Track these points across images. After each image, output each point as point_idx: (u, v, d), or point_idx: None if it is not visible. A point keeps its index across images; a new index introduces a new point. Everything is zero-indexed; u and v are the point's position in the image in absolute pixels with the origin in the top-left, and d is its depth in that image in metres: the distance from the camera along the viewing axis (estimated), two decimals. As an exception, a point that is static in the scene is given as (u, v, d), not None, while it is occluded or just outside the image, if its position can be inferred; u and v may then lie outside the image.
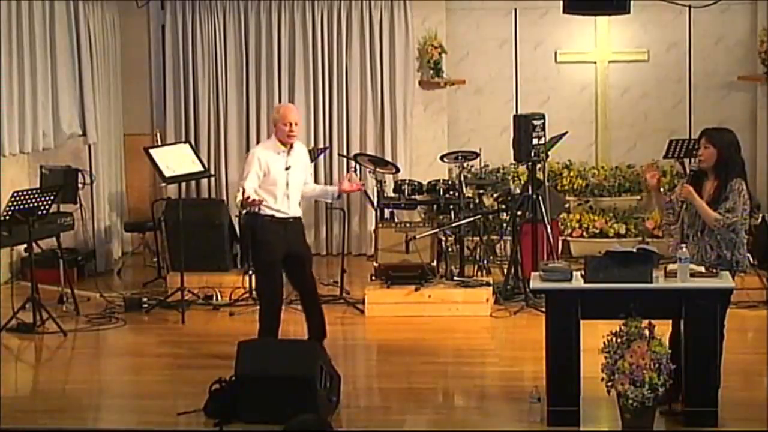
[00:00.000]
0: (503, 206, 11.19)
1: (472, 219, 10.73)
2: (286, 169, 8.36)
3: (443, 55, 12.76)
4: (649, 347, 6.79)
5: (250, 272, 10.57)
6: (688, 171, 7.37)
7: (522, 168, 11.87)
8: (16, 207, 9.38)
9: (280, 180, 8.34)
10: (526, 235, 10.44)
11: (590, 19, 12.42)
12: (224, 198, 12.42)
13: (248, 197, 8.13)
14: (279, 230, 8.37)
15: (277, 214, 8.36)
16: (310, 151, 9.87)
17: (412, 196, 11.17)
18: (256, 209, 8.27)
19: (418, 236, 10.21)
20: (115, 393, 8.27)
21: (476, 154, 11.42)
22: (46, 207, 9.60)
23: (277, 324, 8.58)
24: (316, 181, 11.03)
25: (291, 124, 8.32)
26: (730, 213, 7.12)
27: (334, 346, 8.79)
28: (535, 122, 10.16)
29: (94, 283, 10.98)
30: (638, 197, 12.58)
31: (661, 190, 7.53)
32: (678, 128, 12.52)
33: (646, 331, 6.87)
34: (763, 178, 12.41)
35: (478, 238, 11.01)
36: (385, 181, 11.45)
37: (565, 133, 11.34)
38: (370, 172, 11.26)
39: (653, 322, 6.96)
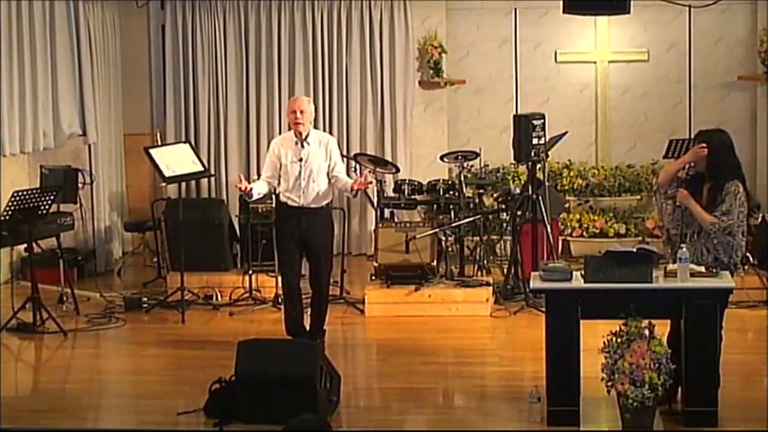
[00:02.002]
0: (503, 206, 11.18)
1: (472, 219, 10.73)
2: (300, 160, 8.65)
3: (443, 55, 12.76)
4: (649, 347, 6.79)
5: (250, 272, 10.59)
6: (685, 171, 7.32)
7: (522, 168, 11.86)
8: (16, 207, 9.37)
9: (291, 170, 8.69)
10: (526, 235, 10.43)
11: (590, 19, 12.42)
12: (224, 198, 12.42)
13: (239, 185, 8.63)
14: (293, 217, 8.70)
15: (290, 202, 8.72)
16: None
17: (412, 196, 11.17)
18: (248, 196, 8.76)
19: (418, 236, 10.21)
20: (115, 393, 8.26)
21: (476, 154, 11.42)
22: (46, 207, 9.60)
23: (294, 312, 8.76)
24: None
25: (295, 111, 8.69)
26: (725, 216, 7.10)
27: (334, 346, 8.81)
28: (535, 122, 10.16)
29: (94, 283, 10.98)
30: (638, 197, 12.58)
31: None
32: (678, 128, 12.52)
33: (646, 331, 6.87)
34: (763, 178, 12.40)
35: (478, 238, 11.01)
36: (385, 181, 11.46)
37: (565, 133, 11.34)
38: (370, 172, 11.25)
39: (653, 321, 6.96)
